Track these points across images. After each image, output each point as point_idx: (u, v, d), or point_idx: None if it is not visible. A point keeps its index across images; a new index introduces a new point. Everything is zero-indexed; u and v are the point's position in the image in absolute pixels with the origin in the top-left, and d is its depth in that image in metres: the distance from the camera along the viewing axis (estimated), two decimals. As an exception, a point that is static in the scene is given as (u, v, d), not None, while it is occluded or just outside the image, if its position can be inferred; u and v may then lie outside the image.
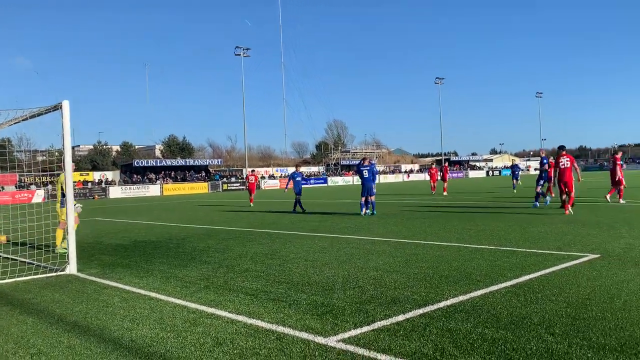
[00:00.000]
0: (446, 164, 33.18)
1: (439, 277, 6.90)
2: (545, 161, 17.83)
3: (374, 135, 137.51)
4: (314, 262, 8.35)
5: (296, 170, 20.92)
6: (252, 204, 25.64)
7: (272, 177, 72.03)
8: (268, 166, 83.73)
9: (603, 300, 5.50)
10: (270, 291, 6.46)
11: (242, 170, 72.61)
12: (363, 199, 16.95)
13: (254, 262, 8.56)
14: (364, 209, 16.87)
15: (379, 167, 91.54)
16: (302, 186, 20.08)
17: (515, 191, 28.94)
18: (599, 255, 7.97)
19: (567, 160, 15.01)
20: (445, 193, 29.04)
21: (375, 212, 16.88)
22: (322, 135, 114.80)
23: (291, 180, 20.36)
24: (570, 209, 14.70)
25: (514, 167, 32.05)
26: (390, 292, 6.17)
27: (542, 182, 17.47)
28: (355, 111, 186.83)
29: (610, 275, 6.60)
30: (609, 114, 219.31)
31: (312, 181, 71.54)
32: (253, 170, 26.99)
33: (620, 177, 17.81)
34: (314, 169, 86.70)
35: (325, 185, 71.70)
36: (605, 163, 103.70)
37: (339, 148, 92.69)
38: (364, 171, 16.90)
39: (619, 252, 8.19)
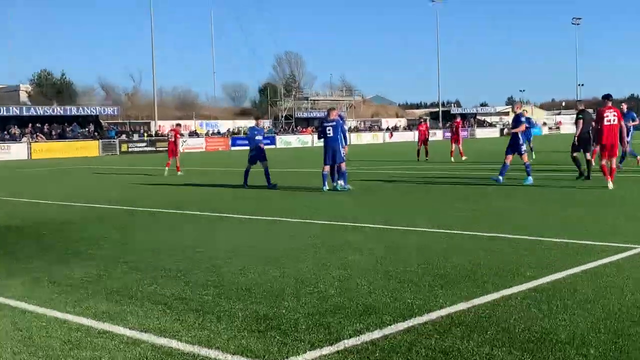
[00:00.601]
0: (458, 119, 33.55)
1: (430, 277, 7.04)
2: (523, 120, 17.89)
3: (343, 76, 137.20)
4: (255, 257, 8.36)
5: (256, 125, 20.12)
6: (167, 169, 26.21)
7: (194, 134, 71.28)
8: (189, 118, 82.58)
9: (654, 308, 5.74)
10: (192, 298, 6.45)
11: (149, 124, 71.56)
12: (327, 167, 16.90)
13: (169, 257, 8.53)
14: (326, 182, 16.80)
15: (351, 122, 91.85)
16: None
17: (534, 156, 29.95)
18: (651, 247, 8.29)
19: (613, 116, 15.61)
20: (463, 157, 30.91)
21: (347, 187, 16.79)
22: (269, 74, 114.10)
23: (257, 143, 19.36)
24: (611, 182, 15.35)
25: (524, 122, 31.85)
26: (363, 298, 6.27)
27: (523, 148, 17.50)
28: (318, 42, 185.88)
29: (666, 275, 6.89)
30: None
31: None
32: (178, 125, 28.46)
33: None
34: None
35: (274, 147, 71.45)
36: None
37: (294, 93, 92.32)
38: (329, 128, 16.69)
39: (678, 243, 8.54)
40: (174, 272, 7.68)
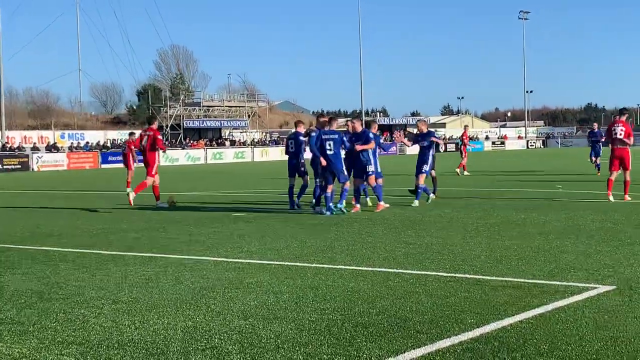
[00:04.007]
0: (466, 130, 40.40)
1: (352, 326, 7.06)
2: (434, 135, 20.68)
3: (244, 77, 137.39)
4: (131, 305, 8.22)
5: (297, 128, 19.81)
6: (130, 192, 27.54)
7: (53, 147, 69.65)
8: (46, 128, 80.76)
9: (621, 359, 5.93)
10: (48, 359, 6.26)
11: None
12: (330, 188, 17.55)
13: (16, 307, 8.29)
14: (326, 205, 17.53)
15: (254, 134, 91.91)
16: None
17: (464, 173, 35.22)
18: (613, 287, 8.56)
19: (621, 130, 19.25)
20: (466, 172, 35.79)
21: (344, 209, 17.47)
22: (151, 73, 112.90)
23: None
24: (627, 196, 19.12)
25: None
26: (269, 354, 6.22)
27: (426, 169, 19.71)
28: (213, 35, 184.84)
29: (632, 320, 7.11)
30: (632, 60, 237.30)
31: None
32: (132, 133, 30.17)
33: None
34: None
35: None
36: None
37: (182, 98, 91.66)
38: (329, 142, 17.39)
39: (644, 281, 8.88)
40: (22, 325, 7.44)
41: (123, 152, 31.62)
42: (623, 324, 6.96)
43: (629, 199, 19.03)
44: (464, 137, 38.58)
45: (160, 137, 21.08)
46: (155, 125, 21.39)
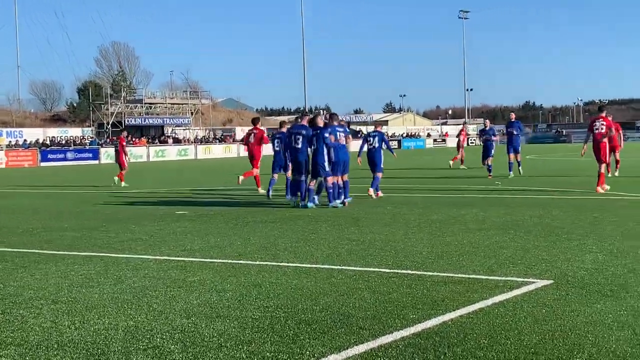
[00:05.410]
0: (464, 124, 44.90)
1: (295, 323, 7.07)
2: (345, 131, 19.44)
3: (187, 74, 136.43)
4: (72, 305, 8.13)
5: (282, 129, 21.81)
6: (123, 183, 29.58)
7: (-8, 146, 68.37)
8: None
9: (558, 353, 6.03)
10: (-15, 361, 6.14)
11: None
12: (313, 182, 18.42)
13: (-46, 308, 8.11)
14: (312, 198, 18.36)
15: (197, 131, 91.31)
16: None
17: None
18: (550, 282, 8.71)
19: (601, 124, 20.42)
20: (451, 163, 38.30)
21: (346, 200, 18.54)
22: (91, 70, 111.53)
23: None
24: (603, 186, 20.13)
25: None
26: (212, 353, 6.20)
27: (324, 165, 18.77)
28: (154, 32, 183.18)
29: (569, 314, 7.25)
30: (568, 60, 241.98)
31: (68, 155, 69.46)
32: (122, 130, 34.97)
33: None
34: (73, 131, 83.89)
35: (96, 162, 69.91)
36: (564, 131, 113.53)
37: (123, 95, 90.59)
38: (327, 138, 18.00)
39: (581, 276, 9.02)
40: (-38, 326, 7.29)
41: (116, 149, 33.33)
42: (560, 318, 7.09)
43: (601, 190, 20.07)
44: (462, 135, 40.74)
45: (265, 135, 23.91)
46: (259, 125, 24.02)
